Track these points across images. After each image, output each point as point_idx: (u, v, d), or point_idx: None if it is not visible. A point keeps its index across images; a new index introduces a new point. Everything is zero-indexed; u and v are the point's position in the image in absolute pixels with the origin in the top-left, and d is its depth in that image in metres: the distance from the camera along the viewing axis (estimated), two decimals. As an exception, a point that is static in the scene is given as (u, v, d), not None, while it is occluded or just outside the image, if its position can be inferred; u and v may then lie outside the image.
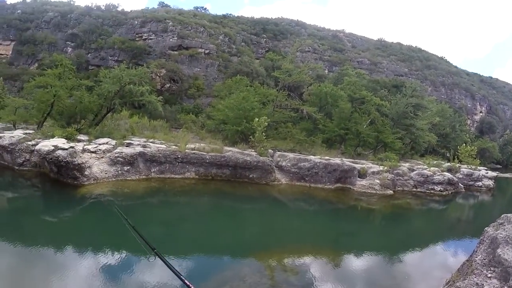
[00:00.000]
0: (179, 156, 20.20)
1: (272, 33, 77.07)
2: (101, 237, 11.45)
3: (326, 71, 64.70)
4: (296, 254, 12.17)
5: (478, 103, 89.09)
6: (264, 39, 73.48)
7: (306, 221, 18.22)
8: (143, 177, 18.86)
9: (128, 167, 18.24)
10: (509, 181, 51.45)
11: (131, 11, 74.28)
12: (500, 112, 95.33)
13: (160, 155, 19.58)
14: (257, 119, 25.74)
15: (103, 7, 75.68)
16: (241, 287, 9.13)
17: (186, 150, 20.78)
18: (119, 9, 77.23)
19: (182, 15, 67.02)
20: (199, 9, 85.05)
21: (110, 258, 9.78)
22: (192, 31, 58.99)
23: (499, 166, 65.54)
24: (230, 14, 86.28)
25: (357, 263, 12.72)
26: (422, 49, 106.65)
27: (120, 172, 17.84)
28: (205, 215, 16.11)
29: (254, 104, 29.24)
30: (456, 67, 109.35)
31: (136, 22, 62.54)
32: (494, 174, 39.78)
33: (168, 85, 43.48)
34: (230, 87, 36.28)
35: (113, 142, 19.23)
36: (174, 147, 21.08)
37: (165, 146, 20.90)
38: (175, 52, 53.59)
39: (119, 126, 22.63)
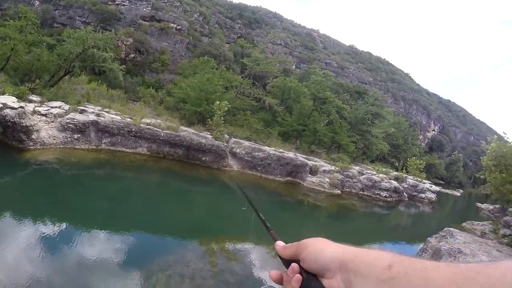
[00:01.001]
0: (133, 130, 19.60)
1: (248, 20, 76.61)
2: (40, 205, 10.78)
3: (294, 66, 65.23)
4: (241, 242, 12.23)
5: (433, 121, 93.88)
6: (238, 25, 72.81)
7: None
8: (93, 147, 18.05)
9: (79, 135, 17.29)
10: (449, 197, 54.55)
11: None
12: (451, 133, 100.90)
13: (114, 126, 18.81)
14: (218, 103, 25.66)
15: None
16: (184, 272, 8.99)
17: (141, 125, 20.28)
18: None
19: (159, -14, 64.92)
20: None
21: (48, 227, 9.24)
22: (167, 4, 57.42)
23: (442, 182, 69.37)
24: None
25: None
26: (390, 62, 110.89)
27: (69, 139, 16.84)
28: (152, 194, 15.62)
29: (217, 87, 29.08)
30: (418, 85, 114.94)
31: (110, -14, 60.14)
32: (437, 188, 42.04)
33: (132, 56, 42.33)
34: (196, 66, 35.83)
35: (66, 107, 18.21)
36: (129, 119, 20.45)
37: (120, 118, 20.19)
38: (146, 23, 52.02)
39: (75, 91, 21.49)
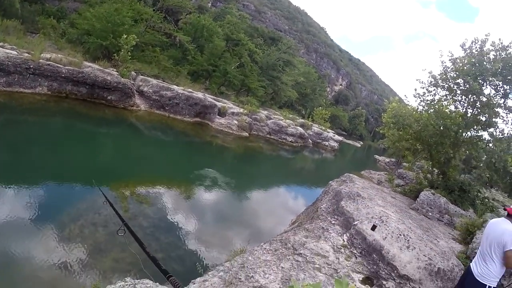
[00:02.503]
0: (31, 66, 18.24)
1: None
2: None
3: (210, 4, 63.21)
4: (150, 184, 12.57)
5: (341, 76, 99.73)
6: None
7: (161, 151, 18.95)
8: None
9: None
10: (350, 147, 59.79)
11: None
12: (357, 89, 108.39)
13: (10, 63, 17.18)
14: (126, 36, 25.03)
15: None
16: (96, 220, 8.98)
17: (40, 60, 19.03)
18: None
19: None
20: None
21: None
22: None
23: (345, 133, 75.95)
24: None
25: (209, 196, 14.01)
26: (308, 14, 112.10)
27: None
28: (56, 139, 14.85)
29: (126, 19, 27.83)
30: (332, 40, 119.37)
31: None
32: (340, 138, 46.06)
33: (31, -24, 38.17)
34: (103, -5, 33.56)
35: None
36: (26, 55, 18.94)
37: (16, 53, 18.60)
38: None
39: None
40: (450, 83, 13.44)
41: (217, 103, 28.92)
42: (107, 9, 27.60)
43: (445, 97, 13.75)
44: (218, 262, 7.86)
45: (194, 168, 17.24)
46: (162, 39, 34.10)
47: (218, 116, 28.61)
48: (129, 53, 25.25)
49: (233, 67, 36.03)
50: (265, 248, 6.77)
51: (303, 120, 42.56)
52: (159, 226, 9.80)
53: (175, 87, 27.10)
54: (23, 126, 15.03)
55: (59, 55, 21.30)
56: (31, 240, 7.50)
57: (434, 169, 14.64)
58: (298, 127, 36.12)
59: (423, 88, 14.00)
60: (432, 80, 13.73)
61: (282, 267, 5.94)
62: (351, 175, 12.55)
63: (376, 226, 7.35)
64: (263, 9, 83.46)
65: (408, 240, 6.87)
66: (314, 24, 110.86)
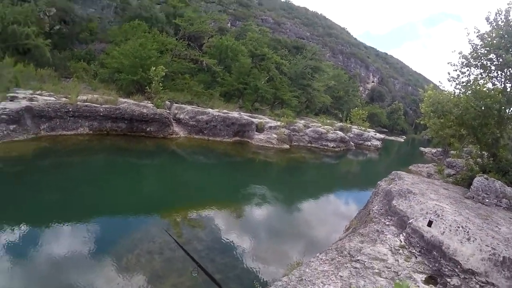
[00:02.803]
0: (70, 110, 18.80)
1: (178, -22, 73.16)
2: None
3: (229, 24, 63.96)
4: (200, 208, 12.52)
5: (371, 73, 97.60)
6: (169, -17, 69.54)
7: (206, 174, 18.79)
8: (32, 136, 16.95)
9: (14, 126, 16.08)
10: (393, 143, 58.03)
11: None
12: (390, 84, 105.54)
13: (49, 109, 17.83)
14: (154, 69, 25.28)
15: None
16: (152, 248, 9.07)
17: (78, 103, 19.56)
18: None
19: None
20: None
21: (6, 233, 8.75)
22: (89, -34, 53.60)
23: (385, 130, 73.73)
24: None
25: (259, 213, 13.74)
26: (327, 17, 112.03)
27: (5, 132, 15.64)
28: (103, 175, 15.23)
29: (152, 52, 28.33)
30: (355, 39, 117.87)
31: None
32: (382, 136, 44.72)
33: (58, 27, 39.50)
34: (127, 32, 34.29)
35: None
36: (64, 99, 19.55)
37: (54, 99, 19.23)
38: (68, -12, 48.57)
39: (1, 77, 19.98)
40: (482, 60, 12.54)
41: (253, 119, 28.64)
42: (132, 46, 28.16)
43: (480, 75, 12.85)
44: (275, 278, 7.63)
45: (240, 186, 17.11)
46: (190, 66, 34.48)
47: (256, 133, 28.28)
48: (160, 84, 25.47)
49: (263, 82, 35.78)
50: (322, 259, 6.65)
51: (341, 124, 41.66)
52: (214, 248, 9.71)
53: (210, 110, 27.04)
54: (70, 166, 15.35)
55: (94, 95, 21.83)
56: (92, 272, 7.73)
57: (483, 152, 13.69)
58: (337, 132, 35.28)
59: (456, 70, 13.22)
60: (464, 60, 12.88)
61: (341, 276, 5.77)
62: (399, 172, 12.23)
63: (432, 222, 7.03)
64: (282, 20, 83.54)
65: (467, 232, 6.46)
66: (335, 26, 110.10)
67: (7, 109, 15.93)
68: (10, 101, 17.29)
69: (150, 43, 29.61)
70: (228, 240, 10.39)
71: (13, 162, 14.09)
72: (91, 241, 9.07)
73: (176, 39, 35.66)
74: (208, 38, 42.63)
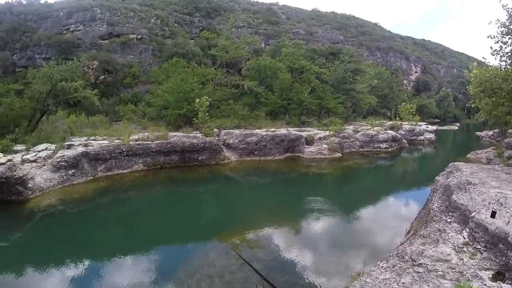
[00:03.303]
0: (123, 150, 19.52)
1: (205, 11, 75.49)
2: (60, 250, 10.58)
3: (263, 44, 64.78)
4: (258, 228, 12.38)
5: (413, 64, 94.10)
6: (198, 18, 71.92)
7: (261, 194, 18.58)
8: (90, 178, 17.80)
9: (73, 170, 17.04)
10: (448, 133, 55.23)
11: (55, 2, 68.59)
12: (434, 71, 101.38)
13: (104, 151, 18.66)
14: (198, 100, 25.65)
15: (24, 2, 69.52)
16: (212, 272, 9.13)
17: (130, 142, 20.19)
18: (42, 1, 71.36)
19: (110, 1, 63.26)
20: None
21: (75, 268, 9.29)
22: (122, 17, 56.46)
23: (437, 120, 70.46)
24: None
25: (317, 226, 13.26)
26: (356, 16, 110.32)
27: (65, 177, 16.60)
28: (160, 206, 15.77)
29: (194, 85, 28.93)
30: (389, 31, 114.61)
31: (61, 14, 58.55)
32: (434, 127, 42.76)
33: (102, 77, 41.91)
34: (167, 70, 35.56)
35: (53, 146, 17.96)
36: (117, 141, 20.37)
37: (107, 142, 20.09)
38: (106, 41, 51.25)
39: (56, 128, 21.15)
40: None
41: (301, 133, 28.14)
42: (174, 82, 29.01)
43: None
44: None
45: (296, 202, 16.76)
46: (232, 91, 34.87)
47: (306, 146, 27.70)
48: (206, 113, 25.77)
49: (306, 94, 35.36)
50: (382, 266, 6.22)
51: (391, 122, 40.17)
52: (274, 267, 9.54)
53: (257, 131, 26.91)
54: (129, 201, 16.04)
55: (145, 133, 22.50)
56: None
57: None
58: (388, 131, 33.90)
59: (497, 42, 12.28)
60: (503, 29, 11.91)
61: (403, 283, 5.36)
62: (456, 163, 11.37)
63: (496, 212, 6.30)
64: (313, 29, 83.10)
65: None
66: (366, 23, 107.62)
67: (65, 156, 16.84)
68: (67, 148, 18.25)
69: (190, 76, 30.33)
70: (288, 257, 10.17)
71: (75, 203, 14.80)
72: (152, 269, 9.34)
73: (215, 68, 36.31)
74: (246, 62, 43.23)
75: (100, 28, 53.60)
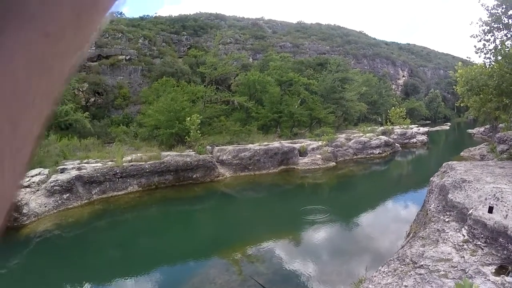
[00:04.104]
0: (117, 172, 19.38)
1: (192, 29, 75.97)
2: (56, 276, 10.53)
3: (251, 59, 65.21)
4: (257, 242, 12.44)
5: (400, 68, 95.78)
6: (185, 37, 72.22)
7: (258, 208, 18.73)
8: (85, 201, 17.64)
9: (68, 194, 16.88)
10: (440, 133, 56.01)
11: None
12: (421, 73, 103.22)
13: (98, 174, 18.51)
14: (189, 118, 25.73)
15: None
16: None
17: (124, 164, 20.08)
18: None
19: (98, 23, 63.49)
20: (115, 14, 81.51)
21: None
22: (110, 38, 56.37)
23: (428, 122, 71.57)
24: (147, 15, 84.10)
25: (317, 236, 13.37)
26: (341, 26, 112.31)
27: (60, 201, 16.45)
28: (157, 227, 15.70)
29: (184, 103, 29.08)
30: (374, 38, 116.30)
31: (47, 38, 58.71)
32: (426, 129, 43.35)
33: (93, 99, 41.77)
34: (157, 90, 35.55)
35: (46, 171, 17.77)
36: (110, 163, 20.24)
37: (101, 164, 19.97)
38: (95, 63, 51.09)
39: (48, 153, 20.99)
40: (503, 20, 11.89)
41: (294, 145, 28.32)
42: (164, 101, 28.99)
43: (505, 36, 12.10)
44: None
45: (293, 213, 16.77)
46: (223, 108, 35.13)
47: (300, 157, 27.86)
48: (198, 131, 25.85)
49: (296, 106, 35.66)
50: (384, 271, 6.36)
51: (382, 128, 40.69)
52: (274, 280, 9.59)
53: (250, 145, 27.02)
54: (125, 222, 16.03)
55: (138, 154, 22.35)
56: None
57: None
58: (380, 137, 34.32)
59: (480, 41, 12.62)
60: (485, 27, 12.24)
61: (406, 286, 5.44)
62: (449, 162, 11.67)
63: (493, 207, 6.49)
64: (299, 42, 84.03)
65: None
66: (351, 32, 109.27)
67: (59, 181, 16.66)
68: (61, 172, 18.04)
69: (180, 95, 30.47)
70: (289, 269, 10.23)
71: (71, 227, 14.66)
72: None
73: (204, 86, 36.50)
74: (234, 77, 43.54)
75: (89, 50, 53.38)
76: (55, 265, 11.31)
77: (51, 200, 16.19)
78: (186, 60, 54.68)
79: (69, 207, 16.65)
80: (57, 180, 16.70)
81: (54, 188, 16.41)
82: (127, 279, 10.05)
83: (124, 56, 53.15)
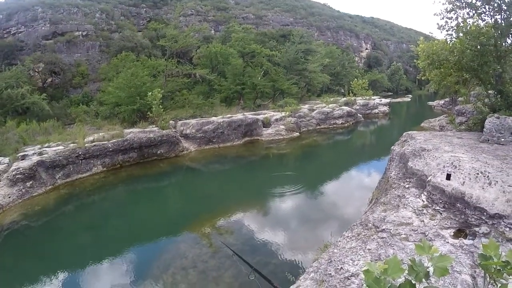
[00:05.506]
0: (80, 153, 19.02)
1: (152, 1, 73.29)
2: (29, 268, 10.27)
3: (213, 31, 64.21)
4: (225, 215, 12.88)
5: (363, 41, 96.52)
6: (144, 9, 69.78)
7: (224, 180, 19.13)
8: (50, 187, 17.00)
9: (31, 182, 16.28)
10: (401, 105, 57.77)
11: (-8, 4, 64.49)
12: (384, 47, 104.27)
13: (60, 157, 17.99)
14: (151, 93, 25.60)
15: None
16: (185, 264, 9.42)
17: (86, 145, 19.77)
18: (-22, 5, 66.82)
19: (52, -2, 60.38)
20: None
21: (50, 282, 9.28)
22: (65, 14, 53.87)
23: (390, 93, 73.51)
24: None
25: (283, 205, 13.97)
26: None
27: (24, 190, 15.84)
28: (125, 206, 15.64)
29: (145, 78, 28.82)
30: (338, 11, 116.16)
31: (0, 16, 55.65)
32: (387, 100, 44.78)
33: (50, 80, 40.45)
34: (117, 66, 34.91)
35: (6, 159, 17.24)
36: (72, 145, 19.85)
37: (62, 147, 19.52)
38: (51, 41, 49.03)
39: (7, 140, 20.13)
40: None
41: (258, 117, 28.71)
42: (124, 77, 28.59)
43: (467, 15, 12.66)
44: (307, 265, 7.75)
45: (260, 183, 17.44)
46: (184, 81, 35.03)
47: (264, 128, 28.35)
48: (160, 106, 25.69)
49: (259, 78, 35.85)
50: (348, 236, 6.66)
51: (345, 99, 41.65)
52: (244, 250, 9.93)
53: (214, 118, 27.24)
54: (93, 204, 15.88)
55: (100, 134, 22.24)
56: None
57: (489, 92, 13.46)
58: (343, 107, 35.23)
59: (442, 18, 13.09)
60: (448, 6, 12.75)
61: (369, 249, 5.77)
62: (410, 132, 12.22)
63: (450, 174, 6.94)
64: (262, 13, 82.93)
65: (487, 176, 6.33)
66: (315, 4, 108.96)
67: (20, 168, 16.07)
68: (22, 159, 17.57)
69: (141, 70, 30.07)
70: (258, 239, 10.68)
71: (38, 215, 14.34)
72: (126, 270, 9.52)
73: (165, 59, 36.01)
74: (196, 50, 43.00)
75: (43, 28, 51.02)
76: (26, 257, 11.20)
77: (15, 190, 15.66)
78: (145, 33, 53.39)
79: (34, 195, 16.14)
80: (18, 168, 16.10)
81: (17, 176, 15.83)
82: (99, 261, 10.13)
83: (80, 32, 51.31)
